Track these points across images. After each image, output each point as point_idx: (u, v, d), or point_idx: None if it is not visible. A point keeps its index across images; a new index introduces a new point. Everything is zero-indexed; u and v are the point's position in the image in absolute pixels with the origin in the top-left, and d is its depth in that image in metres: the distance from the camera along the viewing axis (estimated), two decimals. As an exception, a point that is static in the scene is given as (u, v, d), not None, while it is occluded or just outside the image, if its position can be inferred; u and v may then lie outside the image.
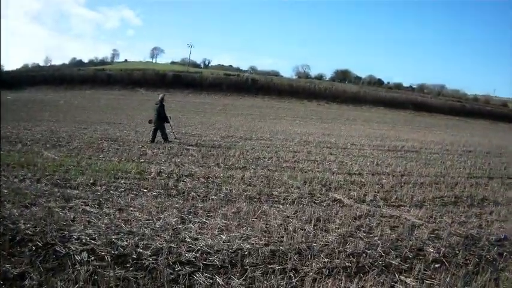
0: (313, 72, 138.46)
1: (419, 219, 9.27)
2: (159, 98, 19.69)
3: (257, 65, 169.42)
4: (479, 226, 9.21)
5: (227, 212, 8.49)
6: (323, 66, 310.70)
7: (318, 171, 14.20)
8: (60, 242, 6.27)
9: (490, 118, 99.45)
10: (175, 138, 20.10)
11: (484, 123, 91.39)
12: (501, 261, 7.15)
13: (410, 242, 7.58)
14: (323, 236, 7.54)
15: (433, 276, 6.29)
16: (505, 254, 7.50)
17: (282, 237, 7.29)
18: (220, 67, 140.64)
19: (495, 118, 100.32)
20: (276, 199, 10.16)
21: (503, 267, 6.91)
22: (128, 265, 5.75)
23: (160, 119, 19.22)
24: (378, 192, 11.72)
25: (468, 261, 7.04)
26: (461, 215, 9.99)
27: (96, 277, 5.34)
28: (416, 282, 6.04)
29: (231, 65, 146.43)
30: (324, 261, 6.42)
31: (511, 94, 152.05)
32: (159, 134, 19.32)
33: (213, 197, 9.82)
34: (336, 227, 8.11)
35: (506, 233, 8.79)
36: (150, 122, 20.58)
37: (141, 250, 6.20)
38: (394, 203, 10.68)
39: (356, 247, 7.09)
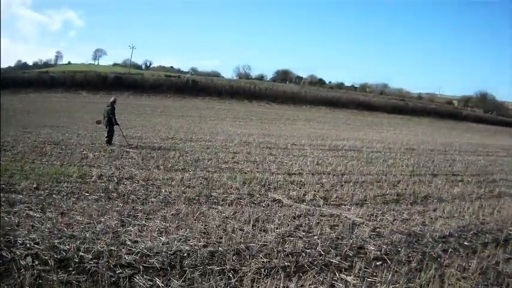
0: (254, 73, 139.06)
1: (360, 217, 9.55)
2: (111, 101, 19.94)
3: (198, 67, 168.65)
4: (423, 223, 9.59)
5: (166, 214, 8.58)
6: (264, 67, 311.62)
7: (257, 172, 14.37)
8: (5, 247, 6.28)
9: (435, 116, 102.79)
10: (129, 144, 19.87)
11: (429, 121, 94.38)
12: (446, 257, 7.45)
13: (351, 241, 7.82)
14: (262, 236, 7.68)
15: (374, 274, 6.50)
16: (450, 250, 7.82)
17: (221, 238, 7.41)
18: (162, 68, 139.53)
19: (440, 116, 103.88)
20: (215, 200, 10.31)
21: (448, 263, 7.20)
22: (70, 269, 5.83)
23: (110, 121, 19.31)
24: (318, 191, 11.96)
25: (411, 258, 7.32)
26: (403, 213, 10.36)
27: (40, 281, 5.40)
28: (357, 280, 6.22)
29: (172, 67, 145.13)
30: (263, 261, 6.55)
31: (456, 92, 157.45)
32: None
33: (152, 199, 9.93)
34: (274, 227, 8.27)
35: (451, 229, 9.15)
36: (97, 122, 20.77)
37: (82, 254, 6.27)
38: (334, 202, 10.94)
39: (295, 246, 7.25)
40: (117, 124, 19.57)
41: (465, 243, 8.48)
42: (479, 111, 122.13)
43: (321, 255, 7.03)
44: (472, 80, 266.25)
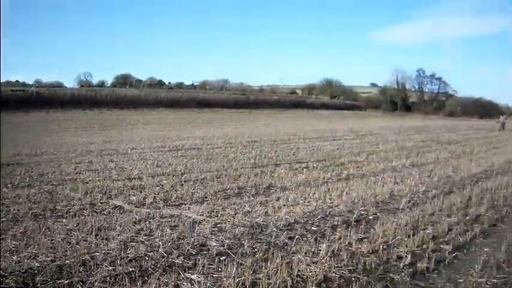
0: (96, 80, 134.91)
1: (200, 215, 9.86)
2: None
3: (43, 78, 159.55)
4: (266, 213, 10.12)
5: (16, 233, 8.39)
6: (106, 72, 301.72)
7: (98, 180, 14.28)
8: None
9: (278, 107, 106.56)
10: None
11: (271, 112, 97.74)
12: (292, 245, 7.96)
13: (192, 239, 8.10)
14: (105, 245, 7.74)
15: (219, 269, 6.82)
16: (296, 237, 8.37)
17: (66, 251, 7.39)
18: (8, 83, 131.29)
19: (284, 106, 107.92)
20: (60, 213, 10.22)
21: (295, 250, 7.71)
22: None
23: None
24: (158, 193, 12.14)
25: (256, 249, 7.73)
26: (245, 205, 10.86)
27: None
28: (202, 277, 6.51)
29: (17, 80, 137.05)
30: (108, 270, 6.64)
31: (301, 81, 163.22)
32: None
33: (3, 219, 9.63)
34: (116, 234, 8.34)
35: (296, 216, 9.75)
36: None
37: None
38: (174, 203, 11.21)
39: (137, 251, 7.39)
40: None
41: (312, 228, 9.06)
42: (326, 98, 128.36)
43: (163, 256, 7.23)
44: (318, 69, 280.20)
